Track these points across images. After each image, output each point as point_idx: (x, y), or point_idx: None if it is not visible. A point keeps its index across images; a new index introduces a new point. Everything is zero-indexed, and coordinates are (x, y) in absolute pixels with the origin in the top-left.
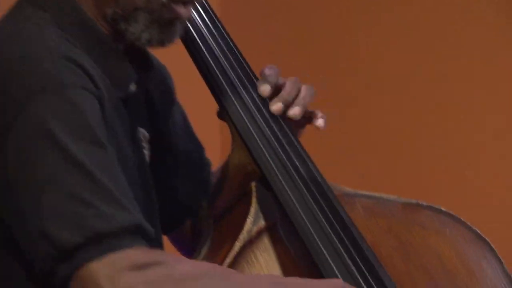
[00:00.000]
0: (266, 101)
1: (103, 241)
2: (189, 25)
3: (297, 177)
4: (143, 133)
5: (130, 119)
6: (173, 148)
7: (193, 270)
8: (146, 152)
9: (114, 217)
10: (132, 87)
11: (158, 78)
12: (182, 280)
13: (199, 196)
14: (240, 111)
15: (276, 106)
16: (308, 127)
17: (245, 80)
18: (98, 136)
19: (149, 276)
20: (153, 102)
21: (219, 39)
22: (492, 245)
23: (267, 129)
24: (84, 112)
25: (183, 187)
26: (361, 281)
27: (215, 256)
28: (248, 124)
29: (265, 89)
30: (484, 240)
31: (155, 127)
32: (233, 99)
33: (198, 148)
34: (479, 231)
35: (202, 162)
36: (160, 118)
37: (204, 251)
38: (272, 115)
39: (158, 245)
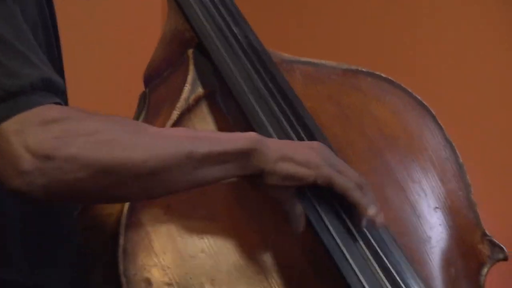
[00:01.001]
0: None
1: (12, 99)
2: None
3: (235, 44)
4: None
5: None
6: None
7: (104, 124)
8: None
9: (22, 74)
10: None
11: None
12: (92, 134)
13: None
14: None
15: None
16: None
17: None
18: None
19: (59, 130)
20: None
21: None
22: (433, 111)
23: None
24: None
25: None
26: None
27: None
28: None
29: None
30: (424, 106)
31: None
32: None
33: None
34: (419, 98)
35: None
36: None
37: (139, 121)
38: None
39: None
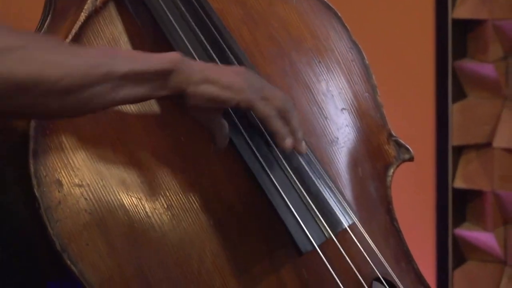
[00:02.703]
0: None
1: None
2: None
3: None
4: None
5: None
6: None
7: (21, 40)
8: None
9: None
10: None
11: None
12: (8, 50)
13: None
14: None
15: None
16: None
17: None
18: None
19: None
20: None
21: None
22: (338, 13)
23: None
24: None
25: None
26: (209, 48)
27: (59, 29)
28: None
29: None
30: (331, 8)
31: None
32: None
33: None
34: (326, 0)
35: None
36: None
37: (46, 24)
38: None
39: None
